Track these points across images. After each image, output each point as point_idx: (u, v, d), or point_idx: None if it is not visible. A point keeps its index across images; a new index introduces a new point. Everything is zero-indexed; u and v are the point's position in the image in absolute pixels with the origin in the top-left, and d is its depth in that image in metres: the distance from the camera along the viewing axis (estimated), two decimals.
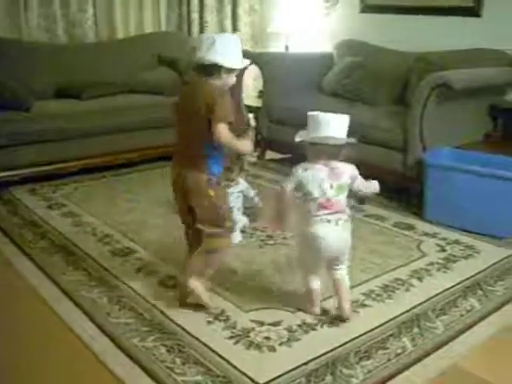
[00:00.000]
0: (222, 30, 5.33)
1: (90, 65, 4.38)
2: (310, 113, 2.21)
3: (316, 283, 2.30)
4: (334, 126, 2.17)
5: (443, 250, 2.92)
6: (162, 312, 2.29)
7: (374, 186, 2.29)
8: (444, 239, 3.05)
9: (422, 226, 3.22)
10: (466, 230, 3.12)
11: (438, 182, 3.16)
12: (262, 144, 4.50)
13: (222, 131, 2.12)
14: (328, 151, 2.17)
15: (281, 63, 4.39)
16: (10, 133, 3.57)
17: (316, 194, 2.16)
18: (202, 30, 5.29)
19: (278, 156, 4.54)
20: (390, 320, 2.27)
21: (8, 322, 2.28)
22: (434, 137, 3.39)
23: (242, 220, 3.09)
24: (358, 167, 2.23)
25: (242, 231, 3.08)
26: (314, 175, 2.18)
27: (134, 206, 3.48)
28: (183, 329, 2.18)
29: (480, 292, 2.50)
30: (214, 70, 2.14)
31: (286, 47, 5.03)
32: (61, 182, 3.87)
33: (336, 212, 2.17)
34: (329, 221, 2.16)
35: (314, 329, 2.21)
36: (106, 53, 4.54)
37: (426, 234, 3.11)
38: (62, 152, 3.78)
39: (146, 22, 5.16)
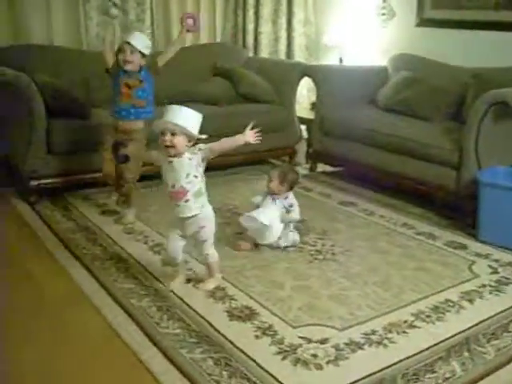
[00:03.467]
0: (276, 40, 5.36)
1: None
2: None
3: None
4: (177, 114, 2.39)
5: (496, 272, 2.85)
6: (210, 324, 2.32)
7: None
8: (497, 261, 2.98)
9: (474, 246, 3.16)
10: None
11: (493, 202, 3.10)
12: (313, 156, 4.50)
13: None
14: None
15: (336, 76, 4.38)
16: (68, 140, 3.68)
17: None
18: (256, 41, 5.33)
19: (330, 169, 4.52)
20: (440, 342, 2.23)
21: (59, 328, 2.34)
22: (490, 155, 3.32)
23: (290, 235, 3.10)
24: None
25: (293, 246, 3.09)
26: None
27: None
28: (231, 342, 2.20)
29: None
30: None
31: (340, 60, 5.02)
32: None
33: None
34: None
35: (361, 348, 2.19)
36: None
37: (479, 255, 3.05)
38: None
39: (202, 32, 5.23)
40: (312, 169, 4.53)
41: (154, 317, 2.37)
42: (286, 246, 3.07)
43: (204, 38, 5.23)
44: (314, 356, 2.13)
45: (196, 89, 4.41)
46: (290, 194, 3.09)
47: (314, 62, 5.30)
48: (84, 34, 4.72)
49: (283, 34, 5.38)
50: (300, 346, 2.19)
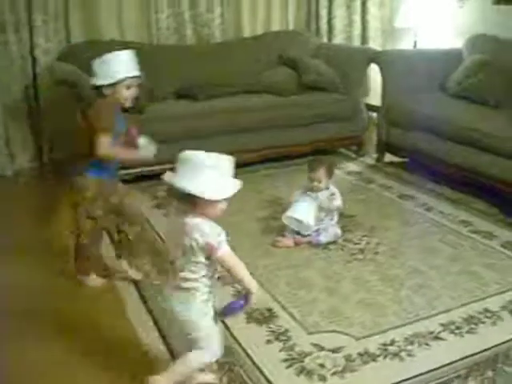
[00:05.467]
0: (350, 25, 5.17)
1: (212, 65, 4.46)
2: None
3: None
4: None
5: None
6: (226, 325, 2.28)
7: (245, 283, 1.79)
8: None
9: None
10: None
11: None
12: (380, 146, 4.31)
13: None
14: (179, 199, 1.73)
15: (403, 61, 4.12)
16: None
17: None
18: (330, 27, 5.16)
19: (397, 159, 4.31)
20: (463, 358, 2.06)
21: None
22: None
23: (331, 229, 3.00)
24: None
25: (334, 242, 2.99)
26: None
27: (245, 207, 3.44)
28: (240, 345, 2.16)
29: None
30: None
31: (415, 43, 4.74)
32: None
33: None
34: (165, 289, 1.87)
35: (374, 360, 2.07)
36: (228, 53, 4.60)
37: None
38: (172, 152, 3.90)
39: (274, 20, 5.13)
40: (379, 159, 4.34)
41: None
42: (328, 242, 2.97)
43: (275, 26, 5.13)
44: (321, 366, 2.04)
45: (258, 79, 4.35)
46: (330, 184, 2.99)
47: (389, 47, 5.05)
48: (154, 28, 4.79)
49: (357, 18, 5.15)
50: (310, 354, 2.11)
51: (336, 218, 3.05)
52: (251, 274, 1.82)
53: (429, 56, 4.28)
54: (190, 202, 1.69)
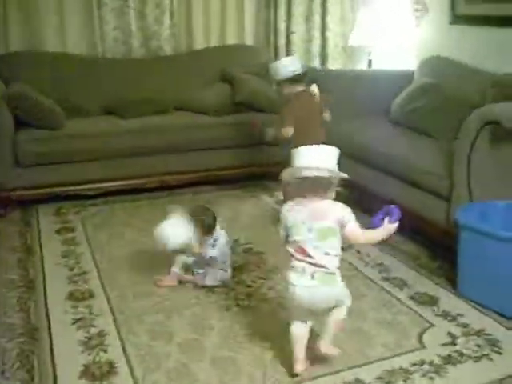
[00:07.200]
0: (309, 40, 4.84)
1: (146, 80, 4.21)
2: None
3: (297, 329, 1.98)
4: (318, 156, 1.88)
5: (452, 343, 2.20)
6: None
7: (373, 237, 1.99)
8: (465, 326, 2.32)
9: (448, 301, 2.51)
10: (503, 316, 2.37)
11: (474, 249, 2.44)
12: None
13: None
14: (312, 186, 1.88)
15: (341, 82, 3.78)
16: (37, 152, 3.51)
17: (296, 237, 1.89)
18: (288, 41, 4.85)
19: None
20: None
21: None
22: (485, 186, 2.63)
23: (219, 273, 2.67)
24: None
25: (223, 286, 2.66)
26: (295, 217, 1.90)
27: (140, 238, 3.19)
28: None
29: None
30: None
31: (369, 63, 4.39)
32: (91, 203, 3.73)
33: (313, 264, 1.86)
34: (303, 270, 1.88)
35: None
36: (167, 67, 4.33)
37: (446, 316, 2.40)
38: (88, 173, 3.65)
39: (229, 33, 4.85)
40: None
41: None
42: (213, 286, 2.64)
43: (231, 40, 4.83)
44: None
45: (190, 96, 4.05)
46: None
47: (350, 66, 4.72)
48: (99, 39, 4.53)
49: (317, 34, 4.82)
50: None
51: (227, 260, 2.71)
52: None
53: (375, 77, 3.94)
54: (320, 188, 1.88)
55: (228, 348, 2.18)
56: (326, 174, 1.87)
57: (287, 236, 1.94)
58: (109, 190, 3.75)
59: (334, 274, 1.90)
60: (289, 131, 3.09)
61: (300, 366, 1.98)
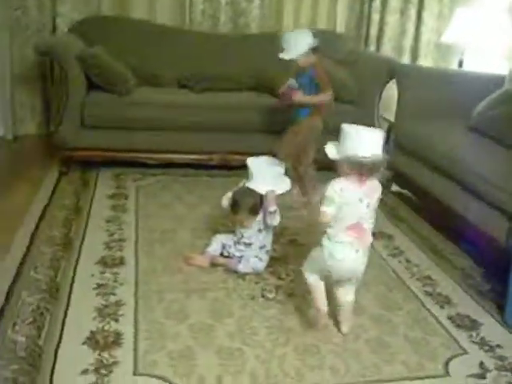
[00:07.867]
0: (402, 33, 4.59)
1: (226, 57, 4.15)
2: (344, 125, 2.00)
3: (315, 281, 2.14)
4: (371, 141, 1.98)
5: (481, 377, 1.99)
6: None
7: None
8: (501, 359, 2.09)
9: (489, 329, 2.28)
10: None
11: None
12: (387, 174, 3.75)
13: None
14: (367, 168, 1.95)
15: (427, 82, 3.51)
16: (102, 115, 3.55)
17: (351, 214, 1.98)
18: (380, 32, 4.62)
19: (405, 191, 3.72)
20: None
21: None
22: None
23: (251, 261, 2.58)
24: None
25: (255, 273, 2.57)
26: (353, 195, 1.97)
27: (189, 214, 3.16)
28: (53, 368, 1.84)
29: None
30: None
31: (460, 62, 4.09)
32: (151, 173, 3.73)
33: (361, 238, 2.01)
34: (351, 244, 2.00)
35: None
36: (249, 46, 4.23)
37: (483, 344, 2.18)
38: (151, 142, 3.65)
39: (320, 18, 4.70)
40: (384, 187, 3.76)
41: None
42: (245, 273, 2.55)
43: (321, 25, 4.67)
44: None
45: (268, 78, 3.91)
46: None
47: (440, 64, 4.43)
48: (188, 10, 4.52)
49: (411, 28, 4.57)
50: None
51: (264, 253, 2.61)
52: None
53: (464, 79, 3.63)
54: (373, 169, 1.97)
55: (240, 339, 2.09)
56: (380, 159, 1.96)
57: (335, 214, 1.98)
58: (169, 161, 3.74)
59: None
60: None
61: (324, 318, 2.12)
